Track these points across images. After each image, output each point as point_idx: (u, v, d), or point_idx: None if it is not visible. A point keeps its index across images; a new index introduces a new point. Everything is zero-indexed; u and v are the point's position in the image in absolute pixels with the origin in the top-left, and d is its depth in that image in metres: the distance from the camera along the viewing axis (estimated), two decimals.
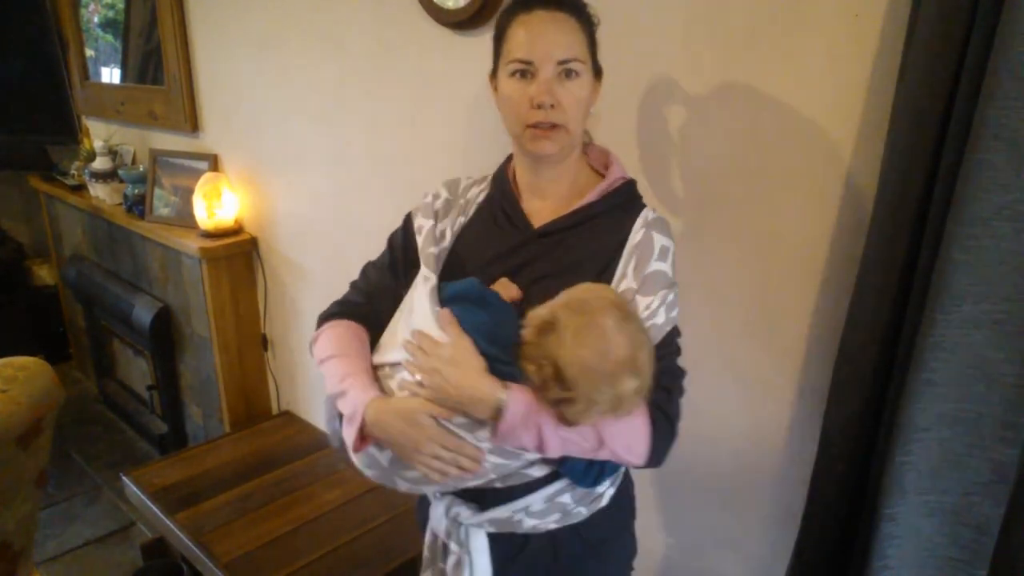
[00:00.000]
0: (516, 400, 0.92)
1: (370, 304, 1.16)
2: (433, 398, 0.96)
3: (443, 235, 1.12)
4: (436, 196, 1.17)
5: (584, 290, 0.96)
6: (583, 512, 1.07)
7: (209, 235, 2.37)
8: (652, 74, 1.31)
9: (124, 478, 2.14)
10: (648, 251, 1.03)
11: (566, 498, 1.05)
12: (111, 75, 2.93)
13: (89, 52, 3.00)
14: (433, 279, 1.06)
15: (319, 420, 2.43)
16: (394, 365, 1.04)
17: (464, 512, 1.07)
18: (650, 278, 1.02)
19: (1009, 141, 0.83)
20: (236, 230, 2.44)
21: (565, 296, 0.94)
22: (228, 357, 2.47)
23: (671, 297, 1.02)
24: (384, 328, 1.12)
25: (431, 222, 1.13)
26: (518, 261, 1.07)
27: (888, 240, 0.98)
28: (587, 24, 1.04)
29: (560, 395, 0.90)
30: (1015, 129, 0.83)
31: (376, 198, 1.96)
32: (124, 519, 2.59)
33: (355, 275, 1.24)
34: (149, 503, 2.02)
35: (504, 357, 0.95)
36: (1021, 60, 0.81)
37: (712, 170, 1.28)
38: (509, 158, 1.16)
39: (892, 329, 1.01)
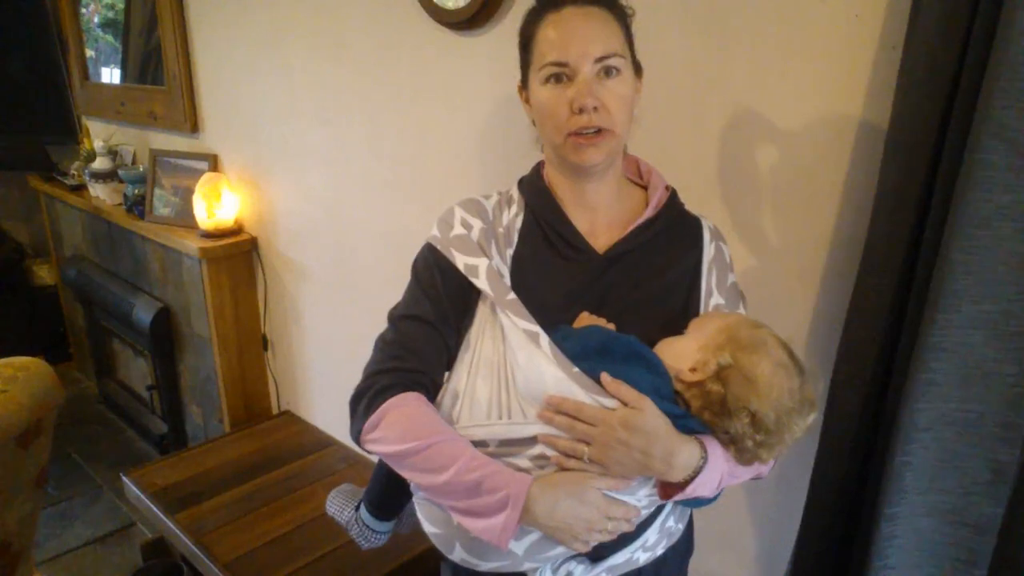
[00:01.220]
0: (714, 455, 0.88)
1: (430, 372, 0.97)
2: (609, 472, 0.86)
3: (500, 273, 0.97)
4: (467, 225, 1.00)
5: (734, 324, 0.90)
6: (680, 527, 1.04)
7: (209, 235, 2.37)
8: (649, 74, 1.31)
9: (124, 478, 2.14)
10: (723, 264, 1.03)
11: (671, 521, 1.01)
12: (111, 75, 2.93)
13: (89, 52, 3.00)
14: (543, 333, 0.91)
15: (319, 420, 2.43)
16: (512, 442, 0.89)
17: (577, 569, 0.95)
18: (730, 291, 1.02)
19: (1009, 141, 0.83)
20: (236, 230, 2.43)
21: (716, 332, 0.89)
22: (228, 357, 2.47)
23: (747, 310, 1.03)
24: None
25: (484, 259, 0.96)
26: (597, 293, 0.97)
27: (888, 240, 0.98)
28: (622, 16, 0.96)
29: (761, 440, 0.86)
30: (1015, 129, 0.83)
31: (376, 198, 1.96)
32: (124, 519, 2.59)
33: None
34: (149, 503, 2.02)
35: (679, 411, 0.88)
36: (1021, 60, 0.81)
37: (711, 171, 1.28)
38: (536, 169, 1.06)
39: (892, 329, 1.01)
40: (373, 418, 0.92)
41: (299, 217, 2.25)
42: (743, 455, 0.89)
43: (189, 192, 2.43)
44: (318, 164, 2.11)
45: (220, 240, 2.37)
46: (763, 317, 1.27)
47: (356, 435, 0.96)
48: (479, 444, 0.90)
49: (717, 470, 0.89)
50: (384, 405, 0.92)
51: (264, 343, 2.55)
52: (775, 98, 1.17)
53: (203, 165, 2.49)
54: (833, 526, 1.12)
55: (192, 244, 2.33)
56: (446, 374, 1.00)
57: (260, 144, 2.31)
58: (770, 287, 1.26)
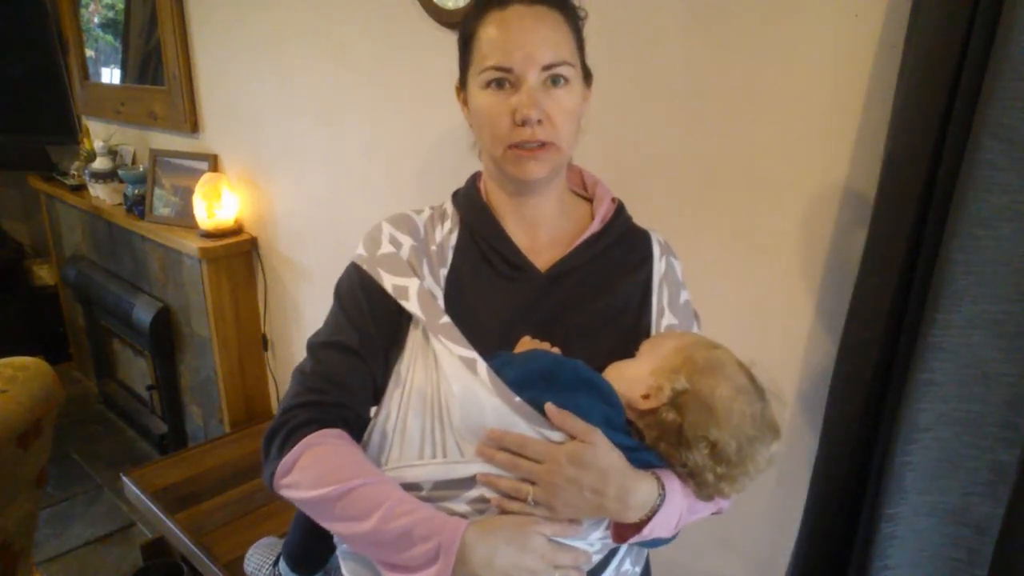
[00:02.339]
0: (673, 491, 0.81)
1: (353, 406, 0.88)
2: (557, 514, 0.79)
3: (432, 294, 0.88)
4: (396, 243, 0.91)
5: (689, 344, 0.84)
6: (637, 571, 0.97)
7: (209, 235, 2.37)
8: (649, 74, 1.31)
9: (124, 478, 2.13)
10: (675, 280, 0.98)
11: (627, 564, 0.94)
12: (111, 75, 2.93)
13: (89, 52, 3.00)
14: (480, 359, 0.82)
15: None
16: (448, 484, 0.81)
17: None
18: (683, 310, 0.97)
19: (1009, 141, 0.84)
20: (236, 230, 2.43)
21: (670, 354, 0.83)
22: (228, 357, 2.47)
23: (701, 330, 0.99)
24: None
25: (415, 279, 0.88)
26: (540, 315, 0.90)
27: (888, 240, 0.98)
28: (573, 19, 0.88)
29: (722, 472, 0.80)
30: (1015, 129, 0.83)
31: (376, 197, 1.96)
32: (124, 519, 2.59)
33: None
34: (149, 503, 2.02)
35: (632, 443, 0.82)
36: (1021, 60, 0.81)
37: (712, 170, 1.28)
38: (472, 182, 0.99)
39: (892, 329, 1.01)
40: (287, 460, 0.83)
41: (299, 217, 2.25)
42: (703, 490, 0.82)
43: (189, 192, 2.43)
44: (318, 164, 2.11)
45: (220, 240, 2.37)
46: (764, 318, 1.28)
47: (269, 480, 0.86)
48: (411, 487, 0.82)
49: (676, 507, 0.82)
50: (299, 445, 0.82)
51: (264, 343, 2.55)
52: (775, 98, 1.17)
53: (203, 165, 2.49)
54: (833, 526, 1.12)
55: (192, 244, 2.33)
56: (373, 409, 0.91)
57: (260, 144, 2.31)
58: (770, 287, 1.26)
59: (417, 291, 0.87)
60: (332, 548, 1.02)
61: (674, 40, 1.27)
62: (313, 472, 0.81)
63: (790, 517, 1.28)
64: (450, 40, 1.61)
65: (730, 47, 1.20)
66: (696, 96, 1.27)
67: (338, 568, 0.97)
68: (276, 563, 1.17)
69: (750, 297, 1.29)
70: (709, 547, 1.48)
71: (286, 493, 0.85)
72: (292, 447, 0.83)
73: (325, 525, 0.84)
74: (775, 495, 1.34)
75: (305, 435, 0.83)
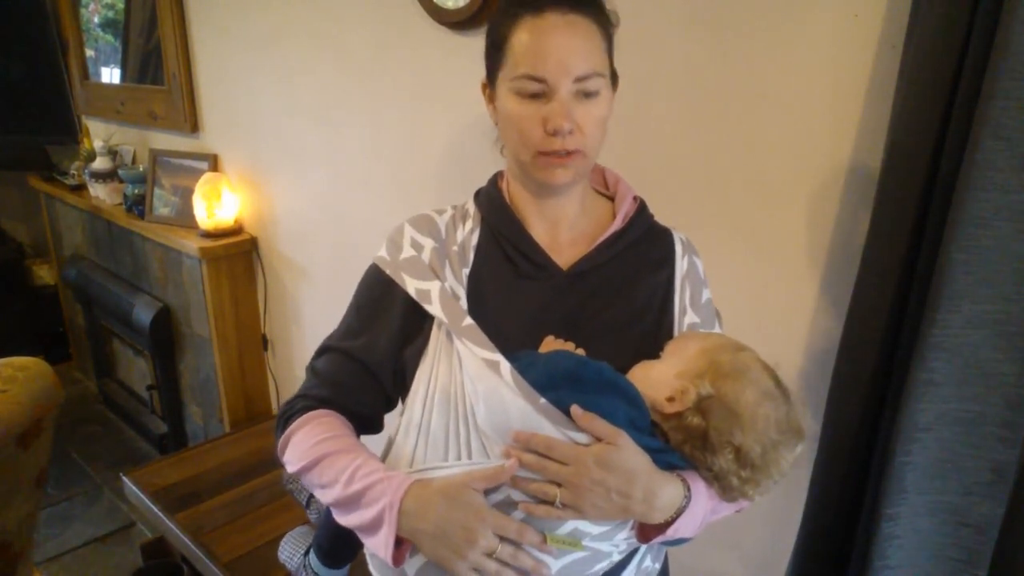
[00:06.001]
0: (698, 493, 0.81)
1: (348, 406, 0.93)
2: (585, 516, 0.78)
3: (455, 295, 0.89)
4: (417, 246, 0.92)
5: (715, 347, 0.83)
6: (657, 567, 0.97)
7: (209, 235, 2.37)
8: (649, 74, 1.31)
9: (124, 478, 2.14)
10: (697, 279, 0.97)
11: (648, 560, 0.93)
12: (111, 75, 2.93)
13: (89, 52, 3.00)
14: (506, 362, 0.82)
15: None
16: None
17: None
18: (705, 309, 0.97)
19: (1009, 141, 0.84)
20: (236, 230, 2.43)
21: (695, 356, 0.82)
22: (228, 357, 2.47)
23: (723, 328, 0.99)
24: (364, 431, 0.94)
25: (436, 282, 0.89)
26: (562, 313, 0.90)
27: (888, 240, 0.98)
28: (606, 26, 0.87)
29: (747, 476, 0.79)
30: (1015, 129, 0.83)
31: (375, 197, 1.96)
32: (124, 519, 2.59)
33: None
34: (149, 503, 2.02)
35: (657, 445, 0.81)
36: (1021, 60, 0.81)
37: (712, 170, 1.28)
38: (494, 181, 1.00)
39: (892, 329, 1.01)
40: (283, 439, 0.91)
41: (299, 217, 2.25)
42: (728, 493, 0.82)
43: (189, 192, 2.43)
44: (318, 164, 2.11)
45: (220, 240, 2.37)
46: (763, 317, 1.28)
47: (281, 458, 0.93)
48: None
49: (700, 508, 0.82)
50: (294, 424, 0.90)
51: (264, 343, 2.55)
52: (775, 98, 1.17)
53: (203, 165, 2.49)
54: (833, 526, 1.12)
55: (192, 244, 2.33)
56: (399, 409, 0.94)
57: (260, 144, 2.31)
58: (770, 287, 1.26)
59: (439, 294, 0.88)
60: (360, 543, 1.05)
61: (674, 40, 1.27)
62: (300, 447, 0.88)
63: (790, 517, 1.28)
64: (450, 40, 1.62)
65: (730, 48, 1.20)
66: (696, 96, 1.27)
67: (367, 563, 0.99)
68: (307, 553, 1.19)
69: (750, 297, 1.29)
70: (709, 547, 1.48)
71: (288, 468, 0.91)
72: (288, 428, 0.91)
73: (316, 495, 0.90)
74: (775, 495, 1.34)
75: (299, 417, 0.91)
